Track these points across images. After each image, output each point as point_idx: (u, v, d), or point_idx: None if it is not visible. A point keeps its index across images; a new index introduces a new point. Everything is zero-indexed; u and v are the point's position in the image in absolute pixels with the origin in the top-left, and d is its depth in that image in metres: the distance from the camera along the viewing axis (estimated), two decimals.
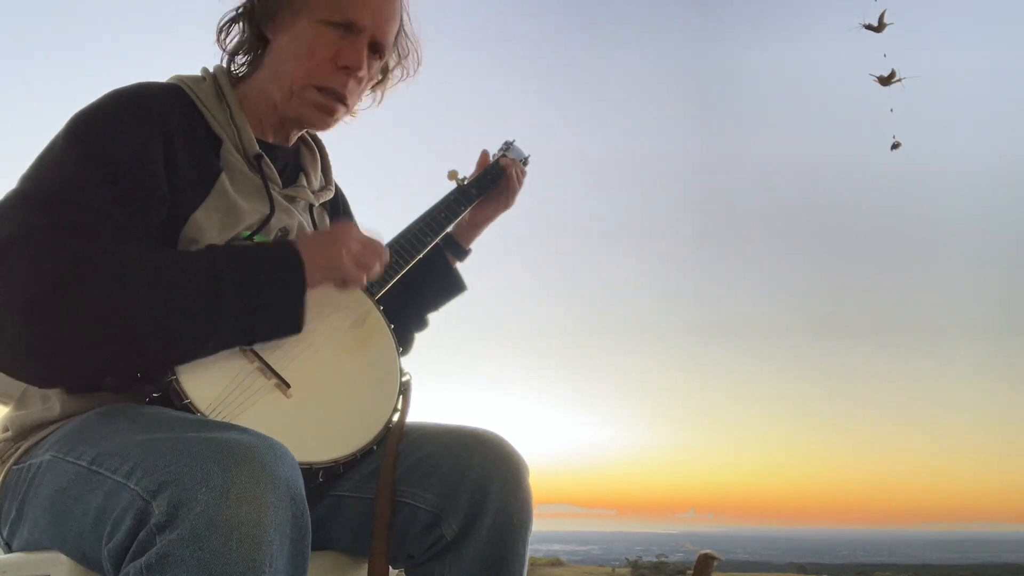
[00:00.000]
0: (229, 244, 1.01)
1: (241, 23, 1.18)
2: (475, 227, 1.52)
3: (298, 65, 1.14)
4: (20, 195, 0.93)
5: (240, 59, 1.20)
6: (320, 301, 1.07)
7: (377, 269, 1.14)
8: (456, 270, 1.49)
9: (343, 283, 1.10)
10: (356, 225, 1.14)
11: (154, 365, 0.94)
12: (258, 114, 1.18)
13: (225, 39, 1.19)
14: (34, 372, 0.91)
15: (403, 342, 1.36)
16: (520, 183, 1.53)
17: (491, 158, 1.55)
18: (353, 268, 1.09)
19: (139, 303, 0.89)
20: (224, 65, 1.19)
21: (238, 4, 1.18)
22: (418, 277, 1.36)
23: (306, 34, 1.14)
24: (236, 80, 1.19)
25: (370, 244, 1.13)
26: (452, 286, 1.48)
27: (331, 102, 1.16)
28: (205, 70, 1.18)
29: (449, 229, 1.45)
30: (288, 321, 1.01)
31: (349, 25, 1.14)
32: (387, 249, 1.18)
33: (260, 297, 0.98)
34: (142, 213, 0.97)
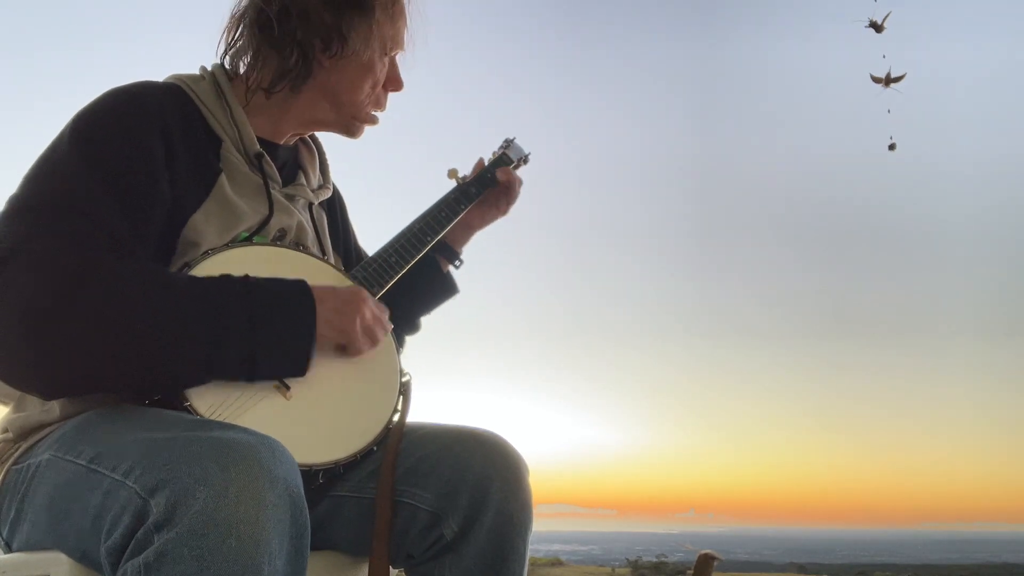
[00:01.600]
0: (246, 277, 0.98)
1: (287, 50, 1.12)
2: (468, 230, 1.49)
3: (367, 94, 1.21)
4: (21, 201, 0.92)
5: (269, 77, 1.14)
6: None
7: (381, 342, 1.13)
8: (447, 273, 1.47)
9: (344, 349, 1.08)
10: (370, 297, 1.12)
11: (152, 384, 0.93)
12: (264, 114, 1.17)
13: (259, 64, 1.14)
14: (33, 384, 0.90)
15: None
16: (517, 195, 1.50)
17: (492, 156, 1.54)
18: (361, 338, 1.07)
19: (143, 322, 0.88)
20: (222, 63, 1.18)
21: (280, 33, 1.11)
22: (409, 280, 1.33)
23: (377, 66, 1.20)
24: (234, 78, 1.18)
25: (381, 316, 1.12)
26: (443, 289, 1.45)
27: (376, 119, 1.27)
28: (204, 68, 1.17)
29: (449, 228, 1.44)
30: (293, 365, 0.99)
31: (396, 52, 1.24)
32: (391, 325, 1.17)
33: (268, 337, 0.95)
34: (141, 219, 0.96)
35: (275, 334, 0.96)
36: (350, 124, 1.24)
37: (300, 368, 0.99)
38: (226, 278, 0.96)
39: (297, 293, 1.00)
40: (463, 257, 1.49)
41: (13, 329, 0.84)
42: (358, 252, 1.42)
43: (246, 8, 1.14)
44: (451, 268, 1.48)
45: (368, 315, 1.08)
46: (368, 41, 1.16)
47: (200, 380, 0.93)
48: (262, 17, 1.12)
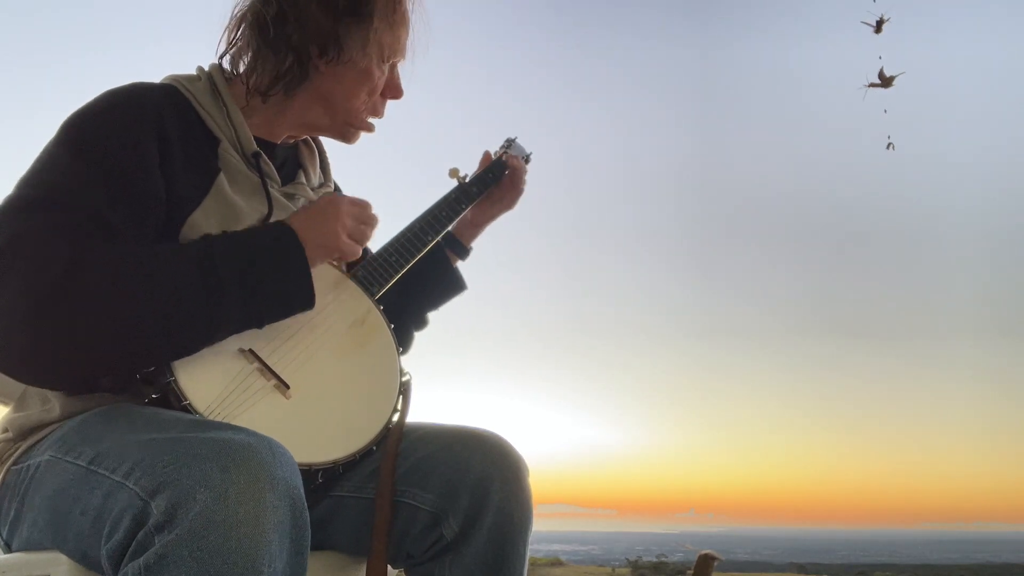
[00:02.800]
0: (224, 232, 1.01)
1: (283, 54, 1.11)
2: (477, 226, 1.51)
3: (363, 101, 1.20)
4: (15, 199, 0.93)
5: (266, 80, 1.13)
6: (319, 300, 1.06)
7: (370, 237, 1.17)
8: (457, 269, 1.48)
9: (340, 260, 1.13)
10: (344, 197, 1.14)
11: (159, 359, 0.94)
12: (261, 115, 1.17)
13: (257, 66, 1.13)
14: (33, 374, 0.91)
15: (403, 341, 1.36)
16: (524, 180, 1.52)
17: (493, 156, 1.54)
18: (350, 244, 1.11)
19: (137, 300, 0.89)
20: (219, 63, 1.18)
21: (276, 36, 1.11)
22: (419, 275, 1.36)
23: (374, 73, 1.18)
24: (231, 78, 1.18)
25: (362, 214, 1.15)
26: (453, 285, 1.47)
27: (372, 126, 1.25)
28: (200, 69, 1.17)
29: (450, 228, 1.44)
30: (298, 297, 1.02)
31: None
32: (376, 215, 1.19)
33: (263, 277, 0.97)
34: (137, 215, 0.97)
35: (270, 278, 0.98)
36: (345, 130, 1.23)
37: (307, 301, 1.02)
38: (205, 236, 0.99)
39: (276, 229, 1.04)
40: (473, 246, 1.52)
41: (8, 320, 0.85)
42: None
43: (247, 10, 1.14)
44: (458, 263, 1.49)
45: (347, 220, 1.11)
46: (365, 48, 1.15)
47: (206, 343, 0.95)
48: (260, 19, 1.12)
